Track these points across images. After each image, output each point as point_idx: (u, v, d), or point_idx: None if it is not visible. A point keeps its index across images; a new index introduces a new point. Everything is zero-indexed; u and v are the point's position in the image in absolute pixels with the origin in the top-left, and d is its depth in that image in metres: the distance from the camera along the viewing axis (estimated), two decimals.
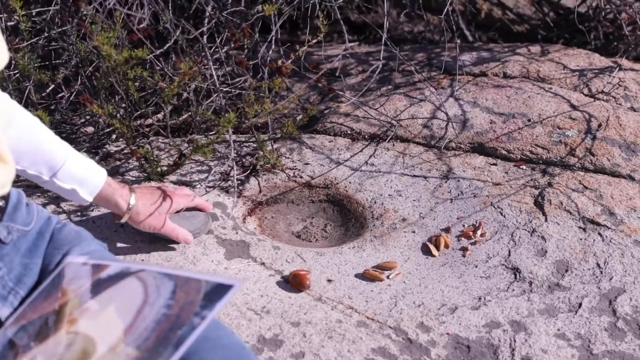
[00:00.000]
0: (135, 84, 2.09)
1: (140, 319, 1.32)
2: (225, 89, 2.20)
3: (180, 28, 2.10)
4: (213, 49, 2.26)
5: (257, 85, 2.15)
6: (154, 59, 2.04)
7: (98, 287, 1.44)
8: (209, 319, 1.27)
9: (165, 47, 2.00)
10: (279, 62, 2.04)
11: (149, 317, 1.31)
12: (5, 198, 1.57)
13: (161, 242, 2.07)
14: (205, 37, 2.10)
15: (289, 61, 2.13)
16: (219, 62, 2.36)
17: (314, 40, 2.19)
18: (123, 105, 2.33)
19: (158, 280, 1.40)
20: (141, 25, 1.82)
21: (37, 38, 2.27)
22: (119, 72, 1.93)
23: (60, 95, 2.48)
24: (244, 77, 2.12)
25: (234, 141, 2.19)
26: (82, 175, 1.82)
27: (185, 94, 2.24)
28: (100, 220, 2.14)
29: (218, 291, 1.32)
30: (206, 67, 2.04)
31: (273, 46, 2.46)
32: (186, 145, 2.48)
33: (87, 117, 2.59)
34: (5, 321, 1.47)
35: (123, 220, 1.96)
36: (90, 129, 2.60)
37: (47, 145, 1.77)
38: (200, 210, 2.12)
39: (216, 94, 2.10)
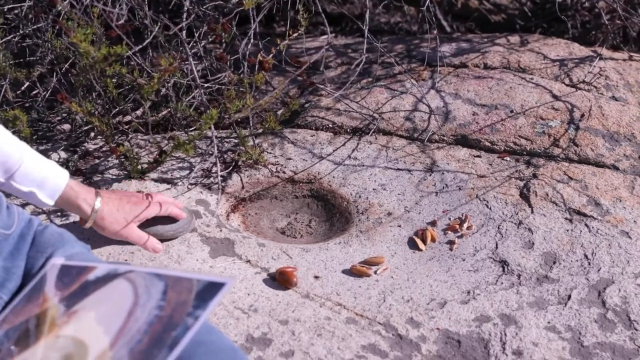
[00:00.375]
0: (113, 80, 2.05)
1: (132, 321, 1.29)
2: (205, 85, 2.16)
3: (158, 23, 2.06)
4: (191, 43, 2.22)
5: (237, 80, 2.12)
6: (132, 55, 2.01)
7: (86, 289, 1.41)
8: (202, 319, 1.25)
9: (144, 44, 1.97)
10: (260, 56, 2.01)
11: (141, 318, 1.29)
12: None
13: None
14: (184, 32, 2.06)
15: (270, 55, 2.10)
16: (197, 56, 2.33)
17: (295, 34, 2.16)
18: (99, 102, 2.30)
19: (148, 281, 1.37)
20: (120, 22, 1.78)
21: (12, 35, 2.22)
22: (97, 70, 1.89)
23: (35, 92, 2.44)
24: (225, 73, 2.08)
25: (216, 137, 2.16)
26: (41, 177, 1.76)
27: (164, 90, 2.21)
28: None
29: (210, 290, 1.30)
30: (186, 62, 2.01)
31: (252, 40, 2.43)
32: (166, 141, 2.44)
33: (64, 114, 2.55)
34: None
35: (87, 225, 1.91)
36: (66, 127, 2.56)
37: (2, 146, 1.70)
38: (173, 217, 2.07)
39: (197, 90, 2.06)
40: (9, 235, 1.55)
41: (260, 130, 2.42)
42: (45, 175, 1.76)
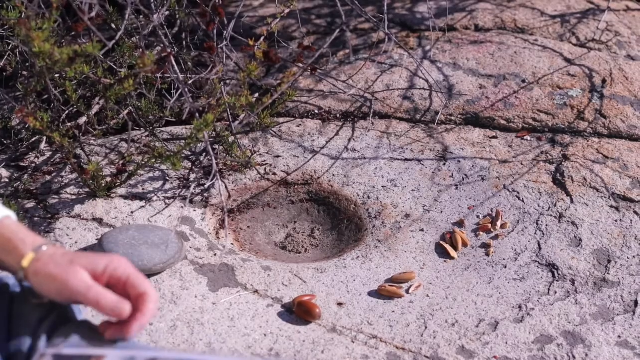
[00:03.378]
0: (72, 82, 1.72)
1: None
2: (190, 81, 1.85)
3: (128, 13, 1.72)
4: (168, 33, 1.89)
5: (223, 74, 1.81)
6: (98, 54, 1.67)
7: None
8: None
9: (117, 37, 1.64)
10: (258, 44, 1.71)
11: None
12: None
13: None
14: (155, 16, 1.74)
15: (261, 39, 1.80)
16: (177, 47, 2.00)
17: (287, 10, 1.86)
18: (47, 105, 1.96)
19: None
20: (92, 14, 1.46)
21: None
22: (56, 72, 1.57)
23: None
24: (217, 67, 1.77)
25: (196, 138, 1.83)
26: None
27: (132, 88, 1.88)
28: None
29: None
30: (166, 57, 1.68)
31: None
32: (126, 146, 2.12)
33: None
34: None
35: (24, 264, 1.34)
36: None
37: None
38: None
39: (180, 90, 1.75)
40: None
41: (249, 129, 2.11)
42: None
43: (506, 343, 1.70)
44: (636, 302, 1.79)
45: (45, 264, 1.20)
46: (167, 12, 2.02)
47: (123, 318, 1.15)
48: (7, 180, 2.03)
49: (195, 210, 1.99)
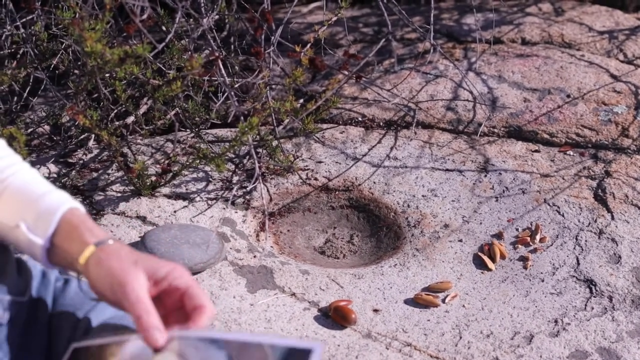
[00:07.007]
0: (122, 82, 1.75)
1: None
2: (236, 85, 1.87)
3: (178, 16, 1.75)
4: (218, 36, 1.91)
5: (269, 79, 1.83)
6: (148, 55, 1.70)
7: None
8: None
9: (167, 40, 1.67)
10: (305, 51, 1.72)
11: None
12: None
13: None
14: (205, 19, 1.76)
15: (308, 45, 1.81)
16: (225, 51, 2.02)
17: (335, 18, 1.87)
18: (97, 105, 1.99)
19: (202, 350, 1.06)
20: (143, 16, 1.49)
21: None
22: (106, 71, 1.60)
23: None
24: (263, 72, 1.79)
25: (240, 141, 1.85)
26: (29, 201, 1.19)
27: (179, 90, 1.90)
28: None
29: (293, 359, 0.99)
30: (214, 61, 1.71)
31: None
32: (172, 146, 2.15)
33: (44, 115, 2.23)
34: None
35: (82, 258, 1.34)
36: (46, 128, 2.25)
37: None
38: None
39: (226, 93, 1.77)
40: (24, 304, 1.25)
41: (293, 133, 2.12)
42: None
43: (540, 357, 1.69)
44: None
45: (109, 256, 1.16)
46: (216, 16, 2.05)
47: (153, 347, 1.08)
48: (55, 175, 2.06)
49: (236, 212, 2.01)
